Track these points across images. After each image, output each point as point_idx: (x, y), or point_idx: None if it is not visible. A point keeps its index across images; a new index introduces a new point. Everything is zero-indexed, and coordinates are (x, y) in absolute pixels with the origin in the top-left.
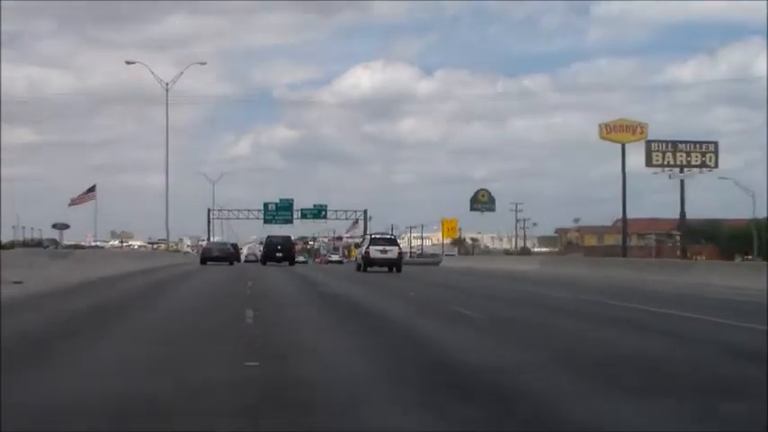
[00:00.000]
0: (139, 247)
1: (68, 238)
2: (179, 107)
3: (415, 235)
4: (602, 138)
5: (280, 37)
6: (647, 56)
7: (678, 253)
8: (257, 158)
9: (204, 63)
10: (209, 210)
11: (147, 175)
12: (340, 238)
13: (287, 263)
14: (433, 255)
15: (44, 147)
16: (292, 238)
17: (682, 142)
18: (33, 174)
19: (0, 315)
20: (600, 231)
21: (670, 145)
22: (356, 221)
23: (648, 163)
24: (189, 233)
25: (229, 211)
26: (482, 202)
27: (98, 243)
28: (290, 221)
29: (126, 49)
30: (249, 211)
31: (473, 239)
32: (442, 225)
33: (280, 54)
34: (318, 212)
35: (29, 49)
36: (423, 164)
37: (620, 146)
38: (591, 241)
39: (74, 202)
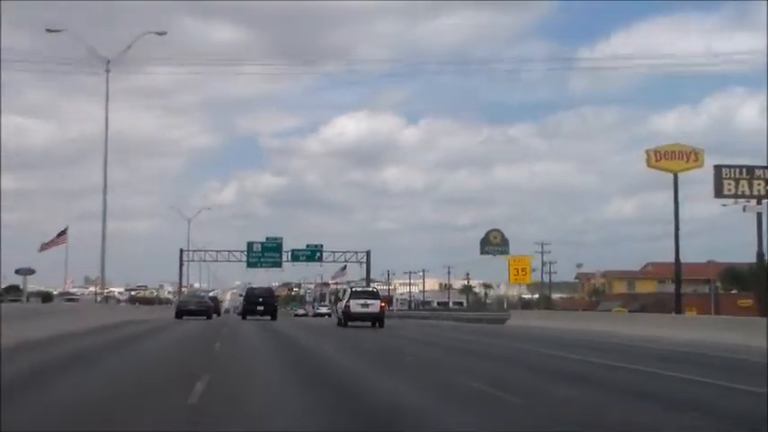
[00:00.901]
0: (105, 297)
1: (41, 284)
2: (164, 156)
3: (404, 281)
4: (651, 166)
5: (264, 86)
6: (629, 106)
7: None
8: (242, 205)
9: (164, 33)
10: (181, 251)
11: (130, 221)
12: (327, 285)
13: (269, 317)
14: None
15: (27, 193)
16: (275, 284)
17: (759, 167)
18: (18, 220)
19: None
20: (628, 277)
21: (745, 171)
22: (344, 267)
23: (719, 193)
24: (171, 279)
25: (206, 252)
26: (494, 244)
27: (74, 290)
28: (279, 264)
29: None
30: (230, 252)
31: (486, 286)
32: (509, 266)
33: (264, 104)
34: (312, 254)
35: (12, 99)
36: (408, 211)
37: (656, 175)
38: (620, 288)
39: (44, 247)
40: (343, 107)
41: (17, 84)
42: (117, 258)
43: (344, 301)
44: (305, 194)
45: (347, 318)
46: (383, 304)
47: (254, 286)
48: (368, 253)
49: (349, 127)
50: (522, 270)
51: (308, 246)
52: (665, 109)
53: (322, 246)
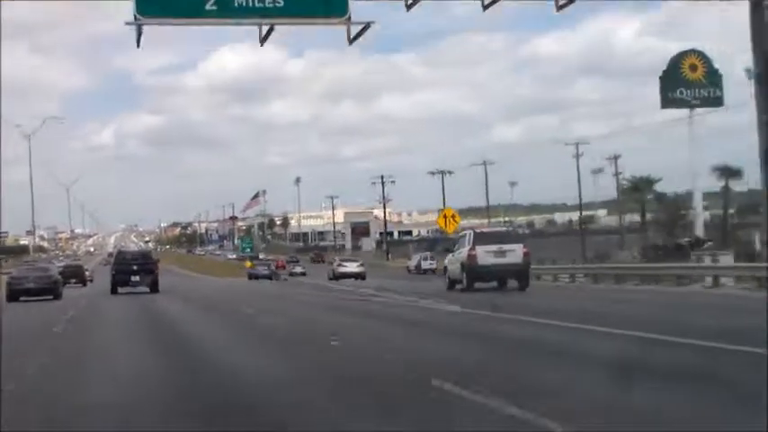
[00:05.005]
0: None
1: None
2: (36, 101)
3: (304, 215)
4: None
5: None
6: (512, 30)
7: None
8: (122, 146)
9: None
10: None
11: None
12: (234, 219)
13: (147, 289)
14: None
15: None
16: (165, 225)
17: None
18: None
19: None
20: None
21: None
22: (257, 195)
23: None
24: (46, 224)
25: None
26: (693, 81)
27: None
28: None
29: None
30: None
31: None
32: None
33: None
34: None
35: None
36: (297, 145)
37: None
38: None
39: None
40: (224, 40)
41: None
42: None
43: (466, 249)
44: (187, 132)
45: (472, 275)
46: (526, 250)
47: (124, 249)
48: None
49: (231, 61)
50: None
51: None
52: (547, 32)
53: None
